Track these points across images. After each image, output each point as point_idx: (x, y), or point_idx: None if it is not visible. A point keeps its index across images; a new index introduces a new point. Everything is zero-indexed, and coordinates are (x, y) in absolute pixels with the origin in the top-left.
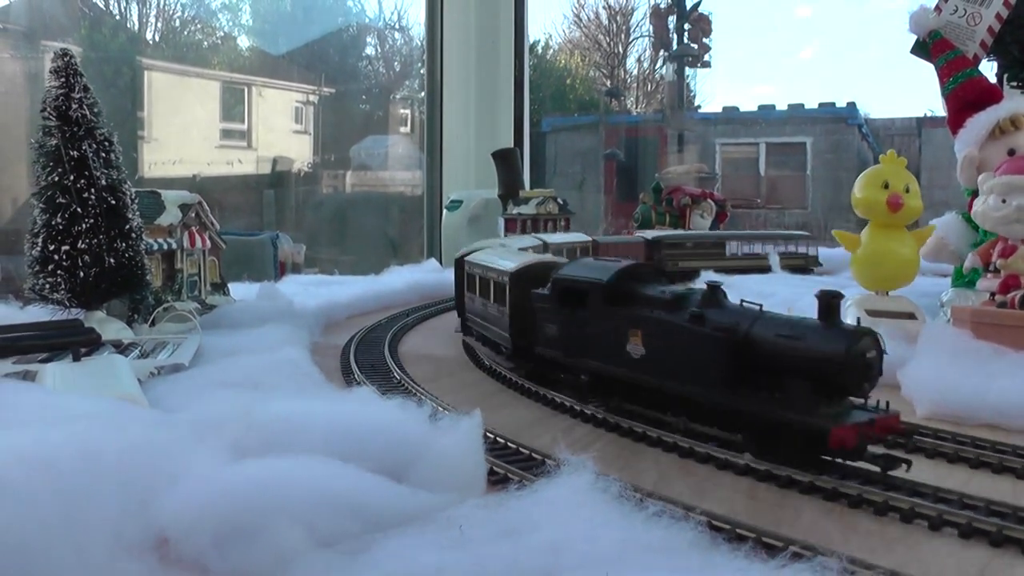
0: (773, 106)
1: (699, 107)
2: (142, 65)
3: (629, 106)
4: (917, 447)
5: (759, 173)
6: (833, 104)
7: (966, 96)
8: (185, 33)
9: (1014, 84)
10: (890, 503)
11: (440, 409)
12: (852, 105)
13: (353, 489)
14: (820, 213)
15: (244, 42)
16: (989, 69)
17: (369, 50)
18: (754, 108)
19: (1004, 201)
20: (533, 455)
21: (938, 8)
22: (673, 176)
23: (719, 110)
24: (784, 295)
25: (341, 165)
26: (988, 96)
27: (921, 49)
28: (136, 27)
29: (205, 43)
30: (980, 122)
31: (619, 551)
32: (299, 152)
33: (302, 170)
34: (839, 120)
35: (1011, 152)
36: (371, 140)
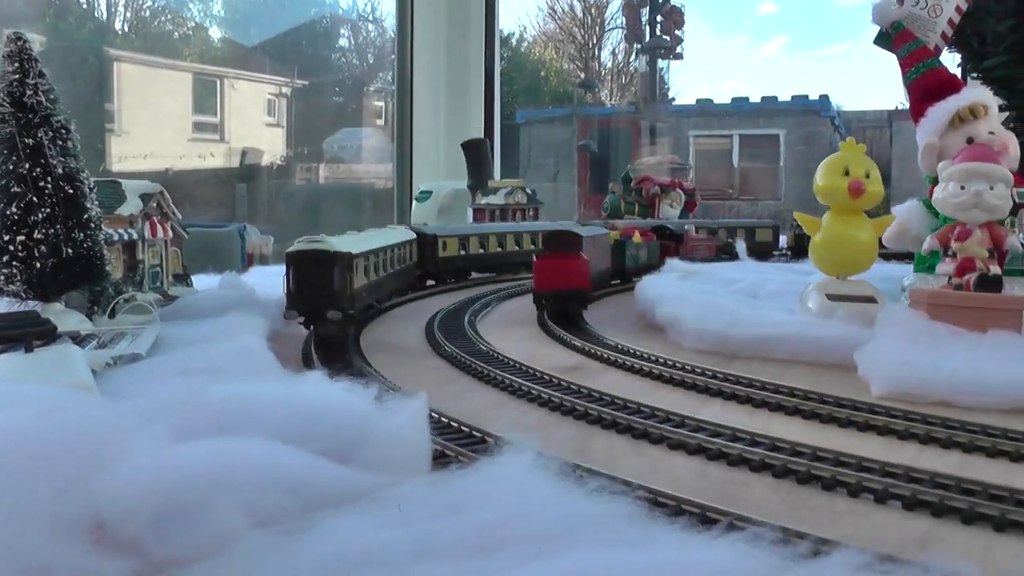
0: (746, 99)
1: (673, 99)
2: (110, 56)
3: (603, 98)
4: (870, 425)
5: (733, 165)
6: (806, 97)
7: (927, 86)
8: (155, 23)
9: (975, 75)
10: (838, 478)
11: (387, 391)
12: (824, 98)
13: (294, 469)
14: (793, 204)
15: (216, 33)
16: (952, 61)
17: (342, 42)
18: (727, 101)
19: (963, 188)
20: (485, 437)
21: (900, 0)
22: (645, 167)
23: (693, 102)
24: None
25: (314, 158)
26: (949, 86)
27: (884, 40)
28: (104, 16)
29: (175, 34)
30: (940, 111)
31: (558, 526)
32: (272, 145)
33: (275, 163)
34: (811, 112)
35: (970, 140)
36: (344, 133)
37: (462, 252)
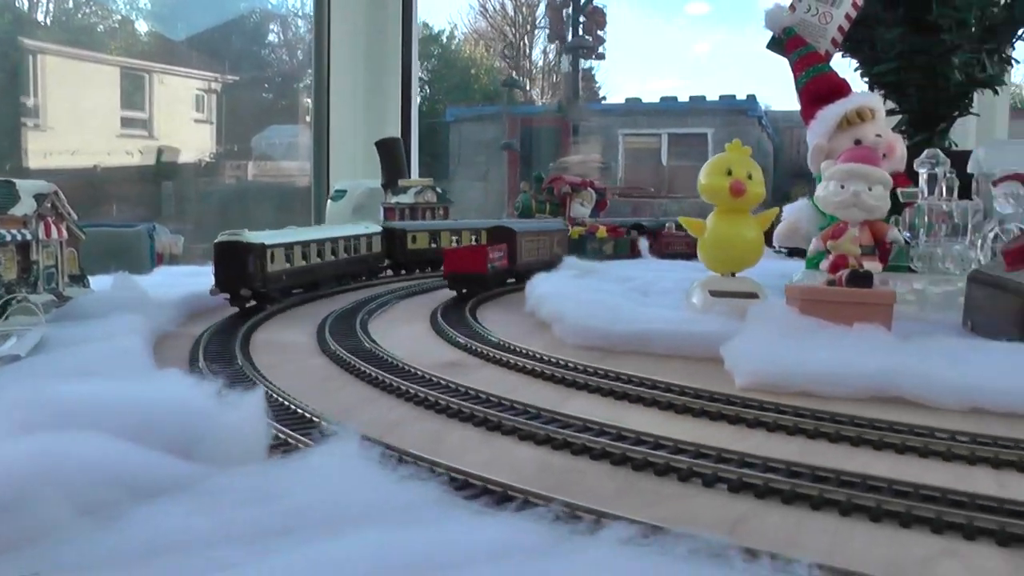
0: (675, 98)
1: (604, 98)
2: (33, 48)
3: (535, 97)
4: (722, 414)
5: (661, 163)
6: (733, 96)
7: (817, 90)
8: (79, 16)
9: (867, 79)
10: (671, 464)
11: (228, 388)
12: (752, 97)
13: (119, 461)
14: None
15: (142, 27)
16: (847, 65)
17: (272, 37)
18: (657, 100)
19: (843, 187)
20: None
21: (792, 7)
22: (568, 166)
23: (623, 101)
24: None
25: (244, 155)
26: (838, 90)
27: (776, 45)
28: (24, 7)
29: (100, 26)
30: (829, 114)
31: (361, 510)
32: (200, 142)
33: (203, 160)
34: (739, 112)
35: (857, 142)
36: (272, 130)
37: (433, 245)
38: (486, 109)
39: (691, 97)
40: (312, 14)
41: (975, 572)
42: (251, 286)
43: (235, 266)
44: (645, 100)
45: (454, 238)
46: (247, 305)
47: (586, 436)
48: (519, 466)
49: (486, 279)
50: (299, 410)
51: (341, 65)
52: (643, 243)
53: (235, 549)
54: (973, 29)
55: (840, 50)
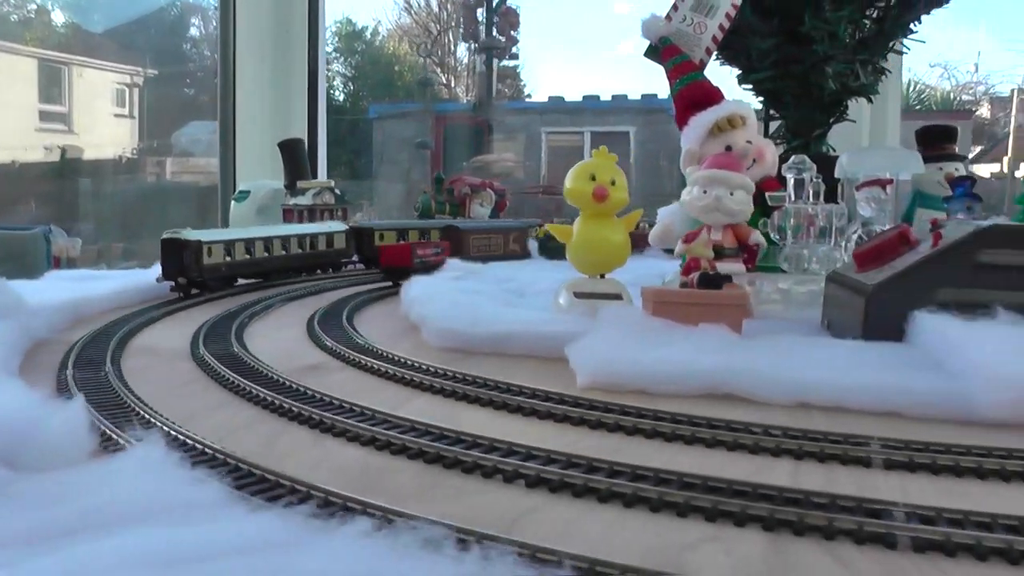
0: (597, 96)
1: (529, 96)
2: None
3: (459, 93)
4: (550, 413)
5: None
6: (655, 95)
7: (691, 97)
8: None
9: (748, 87)
10: (479, 462)
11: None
12: None
13: None
14: (640, 199)
15: (59, 17)
16: (728, 73)
17: (193, 31)
18: (579, 99)
19: (705, 192)
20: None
21: (668, 16)
22: (485, 164)
23: (546, 99)
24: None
25: (165, 151)
26: (710, 97)
27: (653, 53)
28: None
29: (14, 16)
30: (701, 121)
31: (146, 510)
32: (120, 137)
33: (124, 156)
34: (660, 111)
35: (728, 148)
36: (193, 126)
37: (400, 243)
38: (408, 106)
39: (613, 96)
40: (217, 11)
41: (732, 555)
42: (188, 276)
43: (175, 259)
44: (568, 99)
45: (423, 236)
46: (191, 292)
47: (407, 437)
48: (344, 466)
49: (413, 271)
50: (145, 415)
51: (246, 65)
52: (532, 243)
53: (15, 550)
54: (847, 41)
55: (719, 58)
